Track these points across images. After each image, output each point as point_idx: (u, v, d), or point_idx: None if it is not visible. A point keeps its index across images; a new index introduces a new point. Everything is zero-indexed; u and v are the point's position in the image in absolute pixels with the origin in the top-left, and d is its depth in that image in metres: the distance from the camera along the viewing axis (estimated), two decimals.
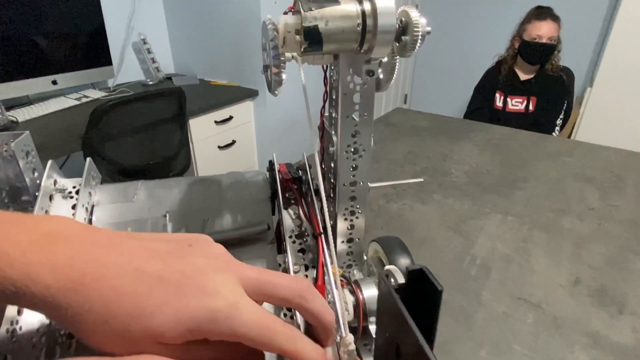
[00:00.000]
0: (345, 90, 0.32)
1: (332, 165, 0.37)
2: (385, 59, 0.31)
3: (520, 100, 1.69)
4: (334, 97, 0.34)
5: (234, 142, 1.95)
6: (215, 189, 0.38)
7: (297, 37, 0.26)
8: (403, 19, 0.27)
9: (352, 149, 0.35)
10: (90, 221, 0.35)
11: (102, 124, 1.35)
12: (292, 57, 0.32)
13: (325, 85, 0.35)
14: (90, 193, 0.36)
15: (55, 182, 0.35)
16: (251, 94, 1.95)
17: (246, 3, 1.80)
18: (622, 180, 0.79)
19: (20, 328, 0.27)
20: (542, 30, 1.53)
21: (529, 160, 0.89)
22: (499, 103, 1.73)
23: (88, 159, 0.37)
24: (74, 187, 0.36)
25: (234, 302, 0.21)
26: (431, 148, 0.95)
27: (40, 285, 0.19)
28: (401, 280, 0.31)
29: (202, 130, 1.79)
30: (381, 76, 0.33)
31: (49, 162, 0.35)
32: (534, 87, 1.65)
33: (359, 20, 0.26)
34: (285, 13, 0.28)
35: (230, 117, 1.90)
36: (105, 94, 1.80)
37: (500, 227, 0.64)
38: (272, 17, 0.28)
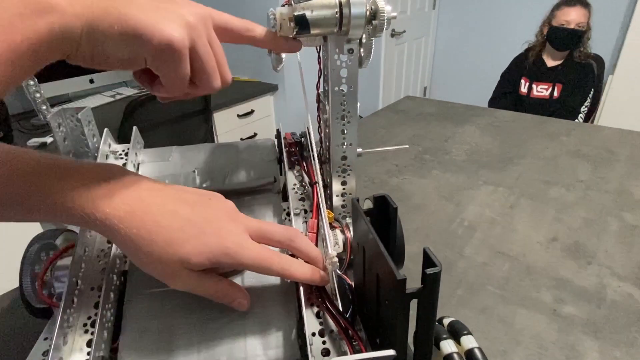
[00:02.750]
0: (334, 67, 0.40)
1: (327, 130, 0.45)
2: (364, 40, 0.39)
3: (546, 86, 1.71)
4: (325, 73, 0.42)
5: (255, 134, 2.06)
6: (234, 151, 0.47)
7: (291, 23, 0.34)
8: (372, 7, 0.35)
9: (341, 116, 0.43)
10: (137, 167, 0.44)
11: (134, 118, 1.48)
12: None
13: (319, 63, 0.43)
14: (136, 154, 0.45)
15: (109, 146, 0.45)
16: (271, 88, 2.05)
17: (266, 3, 1.89)
18: (615, 156, 0.84)
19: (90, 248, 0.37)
20: (571, 16, 1.55)
21: (527, 140, 0.94)
22: (523, 89, 1.76)
23: (134, 127, 0.47)
24: (124, 150, 0.46)
25: (241, 242, 0.30)
26: (435, 131, 1.01)
27: (101, 213, 0.27)
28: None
29: (225, 123, 1.91)
30: (362, 54, 0.41)
31: (105, 130, 0.45)
32: (560, 74, 1.67)
33: (337, 9, 0.34)
34: (283, 6, 0.36)
35: (252, 111, 2.00)
36: (137, 91, 1.94)
37: (490, 197, 0.70)
38: (272, 9, 0.36)
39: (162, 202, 0.29)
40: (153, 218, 0.28)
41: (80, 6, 0.23)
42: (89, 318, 0.33)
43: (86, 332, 0.33)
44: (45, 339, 0.36)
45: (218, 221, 0.30)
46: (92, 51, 0.26)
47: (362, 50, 0.40)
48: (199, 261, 0.28)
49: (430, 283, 0.24)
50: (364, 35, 0.38)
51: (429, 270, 0.24)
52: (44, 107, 1.58)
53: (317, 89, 0.46)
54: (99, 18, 0.24)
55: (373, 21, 0.35)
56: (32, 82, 1.56)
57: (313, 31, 0.35)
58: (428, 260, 0.25)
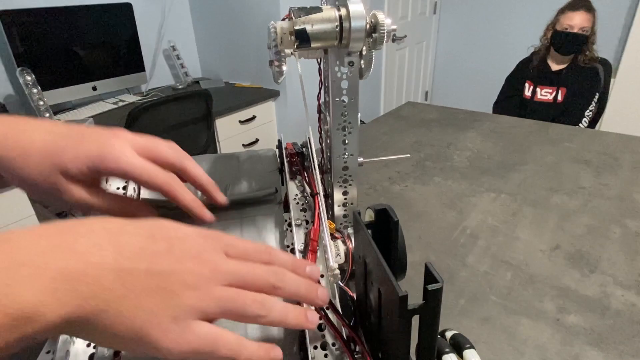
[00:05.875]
0: (334, 78, 0.40)
1: (328, 141, 0.45)
2: (364, 53, 0.39)
3: (550, 90, 1.71)
4: (326, 84, 0.42)
5: (257, 140, 2.07)
6: (235, 162, 0.47)
7: (291, 37, 0.35)
8: (372, 20, 0.35)
9: (342, 127, 0.43)
10: (139, 187, 0.44)
11: (137, 124, 1.49)
12: (292, 53, 0.40)
13: (320, 75, 0.43)
14: None
15: None
16: (273, 94, 2.06)
17: (267, 10, 1.90)
18: (618, 162, 0.84)
19: None
20: (574, 21, 1.56)
21: (529, 146, 0.94)
22: (527, 92, 1.76)
23: None
24: None
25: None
26: (437, 137, 1.01)
27: None
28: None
29: (227, 129, 1.91)
30: (362, 66, 0.41)
31: None
32: (564, 78, 1.67)
33: (337, 23, 0.34)
34: (283, 19, 0.36)
35: (254, 117, 2.01)
36: (139, 97, 1.95)
37: (493, 204, 0.70)
38: (273, 22, 0.36)
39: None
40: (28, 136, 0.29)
41: (68, 309, 0.19)
42: None
43: (89, 345, 0.33)
44: (48, 352, 0.36)
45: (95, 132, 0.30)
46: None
47: (362, 62, 0.41)
48: (75, 166, 0.29)
49: (432, 299, 0.24)
50: (364, 48, 0.39)
51: (431, 287, 0.24)
52: (47, 115, 1.60)
53: (318, 99, 0.46)
54: (90, 318, 0.20)
55: (373, 34, 0.36)
56: (35, 90, 1.58)
57: (313, 45, 0.35)
58: (429, 276, 0.25)
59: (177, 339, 0.21)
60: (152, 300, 0.21)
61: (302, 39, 0.34)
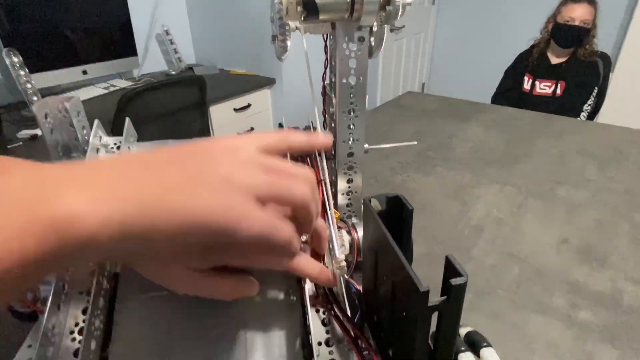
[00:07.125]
0: (342, 56, 0.37)
1: (332, 124, 0.42)
2: (375, 28, 0.37)
3: (549, 84, 1.69)
4: (333, 63, 0.39)
5: (252, 128, 2.03)
6: None
7: (298, 8, 0.32)
8: None
9: (349, 110, 0.40)
10: None
11: (128, 110, 1.44)
12: (296, 27, 0.37)
13: (326, 53, 0.41)
14: (129, 147, 0.43)
15: (100, 138, 0.42)
16: (269, 82, 2.02)
17: None
18: (623, 155, 0.82)
19: None
20: (576, 13, 1.53)
21: (533, 138, 0.92)
22: (526, 86, 1.74)
23: (127, 119, 0.44)
24: (115, 144, 0.43)
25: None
26: (439, 127, 0.99)
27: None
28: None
29: (222, 117, 1.87)
30: (372, 43, 0.38)
31: (96, 121, 0.42)
32: (563, 72, 1.65)
33: None
34: None
35: (249, 105, 1.97)
36: (131, 83, 1.89)
37: (497, 196, 0.68)
38: None
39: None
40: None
41: (107, 210, 0.18)
42: (77, 325, 0.30)
43: (73, 340, 0.30)
44: (29, 346, 0.34)
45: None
46: (125, 257, 0.22)
47: (372, 39, 0.38)
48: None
49: (456, 295, 0.22)
50: (375, 23, 0.36)
51: (455, 281, 0.22)
52: (35, 98, 1.54)
53: (323, 80, 0.44)
54: (133, 219, 0.19)
55: (387, 7, 0.33)
56: (22, 73, 1.52)
57: (322, 17, 0.32)
58: (452, 269, 0.22)
59: (242, 219, 0.21)
60: (207, 183, 0.21)
61: (311, 9, 0.31)
